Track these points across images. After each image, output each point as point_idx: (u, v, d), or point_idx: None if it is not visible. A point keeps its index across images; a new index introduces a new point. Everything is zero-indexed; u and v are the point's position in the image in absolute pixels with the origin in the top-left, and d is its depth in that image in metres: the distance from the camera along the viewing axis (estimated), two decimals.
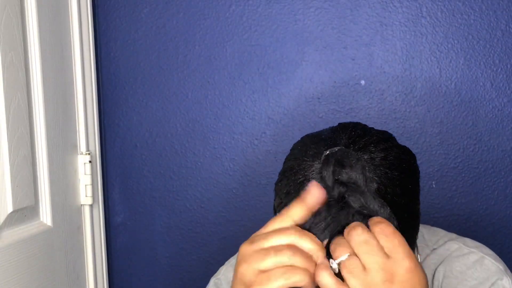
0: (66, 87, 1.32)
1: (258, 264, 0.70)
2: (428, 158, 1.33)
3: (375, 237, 0.69)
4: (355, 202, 0.73)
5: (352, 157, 0.76)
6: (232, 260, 1.04)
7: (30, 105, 1.20)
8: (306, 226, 0.74)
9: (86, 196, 1.37)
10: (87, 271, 1.39)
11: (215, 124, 1.41)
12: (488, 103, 1.32)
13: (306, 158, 0.81)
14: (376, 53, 1.34)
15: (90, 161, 1.36)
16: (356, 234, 0.69)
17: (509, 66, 1.31)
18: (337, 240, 0.71)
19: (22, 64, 1.16)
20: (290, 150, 0.86)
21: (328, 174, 0.75)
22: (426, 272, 0.95)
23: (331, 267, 0.69)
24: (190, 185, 1.43)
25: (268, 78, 1.38)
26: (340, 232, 0.72)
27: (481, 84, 1.32)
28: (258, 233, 0.73)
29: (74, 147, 1.35)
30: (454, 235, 1.00)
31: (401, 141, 0.88)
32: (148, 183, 1.44)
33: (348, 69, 1.35)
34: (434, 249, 0.97)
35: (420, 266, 0.70)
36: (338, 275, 0.69)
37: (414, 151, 0.87)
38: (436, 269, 0.95)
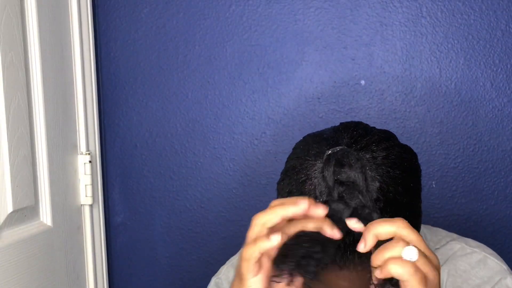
0: (66, 87, 1.32)
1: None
2: (428, 158, 1.33)
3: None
4: (352, 201, 0.74)
5: (352, 157, 0.77)
6: (233, 260, 1.04)
7: (30, 105, 1.20)
8: None
9: (86, 196, 1.37)
10: (87, 271, 1.39)
11: (215, 124, 1.41)
12: (488, 103, 1.32)
13: (308, 158, 0.81)
14: (376, 53, 1.34)
15: (90, 161, 1.36)
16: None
17: (509, 66, 1.31)
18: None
19: (22, 64, 1.16)
20: (292, 149, 0.86)
21: (329, 173, 0.76)
22: None
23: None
24: (190, 185, 1.43)
25: (268, 78, 1.38)
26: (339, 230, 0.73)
27: (481, 84, 1.32)
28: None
29: (74, 147, 1.35)
30: (455, 235, 1.01)
31: (401, 141, 0.88)
32: (148, 183, 1.44)
33: (348, 69, 1.35)
34: (437, 248, 0.97)
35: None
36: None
37: (415, 153, 0.88)
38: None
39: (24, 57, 1.18)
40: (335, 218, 0.73)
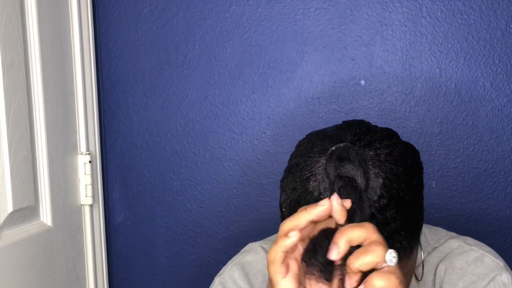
0: (66, 87, 1.32)
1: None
2: (428, 158, 1.33)
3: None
4: (350, 196, 0.74)
5: (352, 152, 0.78)
6: (236, 260, 1.04)
7: (30, 105, 1.20)
8: None
9: (86, 196, 1.37)
10: (87, 271, 1.39)
11: (215, 124, 1.41)
12: (488, 103, 1.32)
13: (312, 155, 0.82)
14: (376, 53, 1.34)
15: (90, 161, 1.36)
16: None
17: (509, 66, 1.31)
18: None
19: (22, 64, 1.16)
20: (295, 147, 0.87)
21: (331, 169, 0.77)
22: (428, 269, 0.96)
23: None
24: (190, 185, 1.43)
25: (268, 78, 1.38)
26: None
27: (481, 84, 1.32)
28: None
29: (74, 147, 1.35)
30: (454, 234, 1.01)
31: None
32: (148, 183, 1.44)
33: (348, 69, 1.35)
34: (436, 247, 0.98)
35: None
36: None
37: (417, 150, 0.88)
38: (437, 266, 0.96)
39: (24, 57, 1.18)
40: None
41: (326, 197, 0.76)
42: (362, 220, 0.73)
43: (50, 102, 1.25)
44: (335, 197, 0.71)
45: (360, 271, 0.68)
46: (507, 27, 1.30)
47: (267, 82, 1.38)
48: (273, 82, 1.38)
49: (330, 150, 0.79)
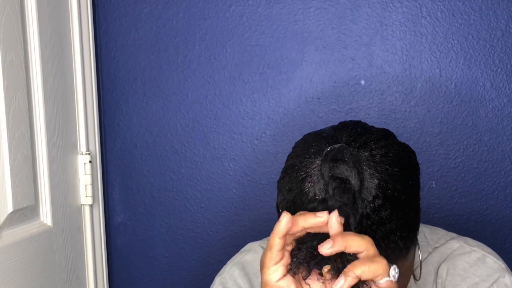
0: (66, 87, 1.32)
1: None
2: (428, 158, 1.33)
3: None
4: (344, 196, 0.74)
5: (347, 153, 0.78)
6: (235, 259, 1.05)
7: (30, 105, 1.20)
8: None
9: (86, 196, 1.37)
10: (87, 271, 1.39)
11: (215, 124, 1.41)
12: (488, 103, 1.32)
13: (308, 155, 0.82)
14: (376, 53, 1.34)
15: (90, 161, 1.36)
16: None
17: (509, 66, 1.31)
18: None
19: (22, 64, 1.16)
20: (292, 148, 0.87)
21: (325, 170, 0.77)
22: (429, 269, 0.96)
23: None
24: (190, 185, 1.43)
25: (268, 78, 1.38)
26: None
27: (481, 84, 1.32)
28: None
29: (74, 147, 1.35)
30: (454, 234, 1.01)
31: (401, 141, 0.88)
32: (148, 183, 1.44)
33: (348, 69, 1.35)
34: (436, 247, 0.98)
35: None
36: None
37: (414, 151, 0.88)
38: (439, 266, 0.96)
39: (24, 57, 1.18)
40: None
41: (321, 198, 0.77)
42: (356, 221, 0.74)
43: (50, 102, 1.25)
44: (335, 215, 0.71)
45: (358, 278, 0.69)
46: (507, 27, 1.30)
47: (267, 82, 1.38)
48: (273, 82, 1.38)
49: (325, 151, 0.80)
